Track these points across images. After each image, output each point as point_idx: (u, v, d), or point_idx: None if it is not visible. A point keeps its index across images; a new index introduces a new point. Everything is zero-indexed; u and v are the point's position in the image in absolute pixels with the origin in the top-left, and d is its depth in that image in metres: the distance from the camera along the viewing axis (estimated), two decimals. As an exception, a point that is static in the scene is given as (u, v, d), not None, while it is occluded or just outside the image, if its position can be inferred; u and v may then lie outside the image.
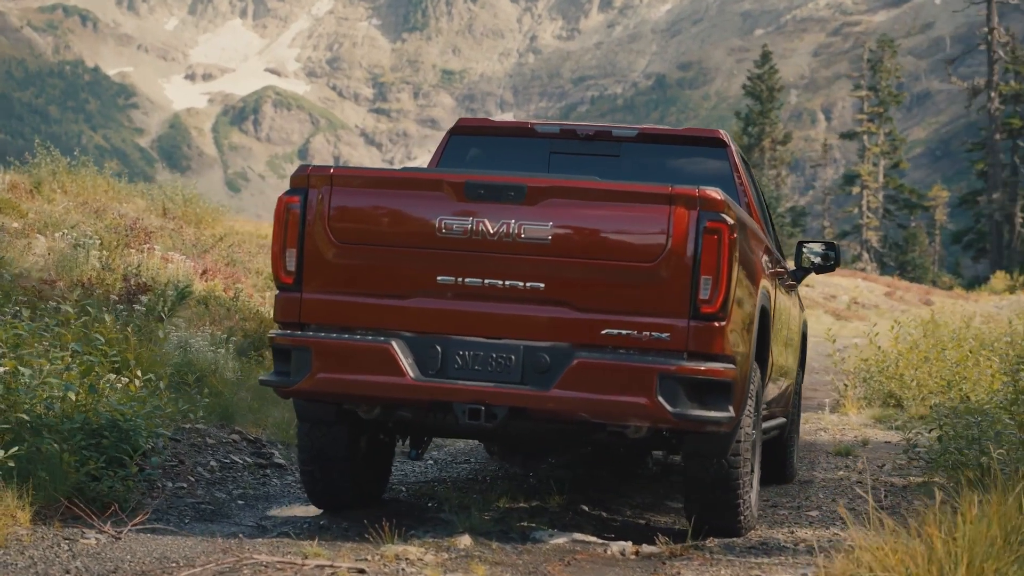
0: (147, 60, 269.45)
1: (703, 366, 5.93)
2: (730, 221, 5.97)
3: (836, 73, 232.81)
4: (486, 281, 6.15)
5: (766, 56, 75.11)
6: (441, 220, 6.18)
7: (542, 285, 6.10)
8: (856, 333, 30.64)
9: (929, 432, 11.13)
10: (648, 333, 6.00)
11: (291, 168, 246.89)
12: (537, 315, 6.12)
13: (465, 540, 6.17)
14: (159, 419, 7.41)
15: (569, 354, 6.04)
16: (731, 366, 6.04)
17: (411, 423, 6.81)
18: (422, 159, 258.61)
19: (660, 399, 5.89)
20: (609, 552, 6.10)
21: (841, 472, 9.74)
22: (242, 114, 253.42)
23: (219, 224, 20.14)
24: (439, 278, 6.20)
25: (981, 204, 64.05)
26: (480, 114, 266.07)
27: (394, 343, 6.18)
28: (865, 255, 70.15)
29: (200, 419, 8.46)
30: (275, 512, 7.12)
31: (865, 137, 72.91)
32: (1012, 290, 50.59)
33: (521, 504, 7.46)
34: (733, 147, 7.64)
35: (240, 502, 7.33)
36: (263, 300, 13.91)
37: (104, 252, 12.35)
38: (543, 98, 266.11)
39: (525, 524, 6.69)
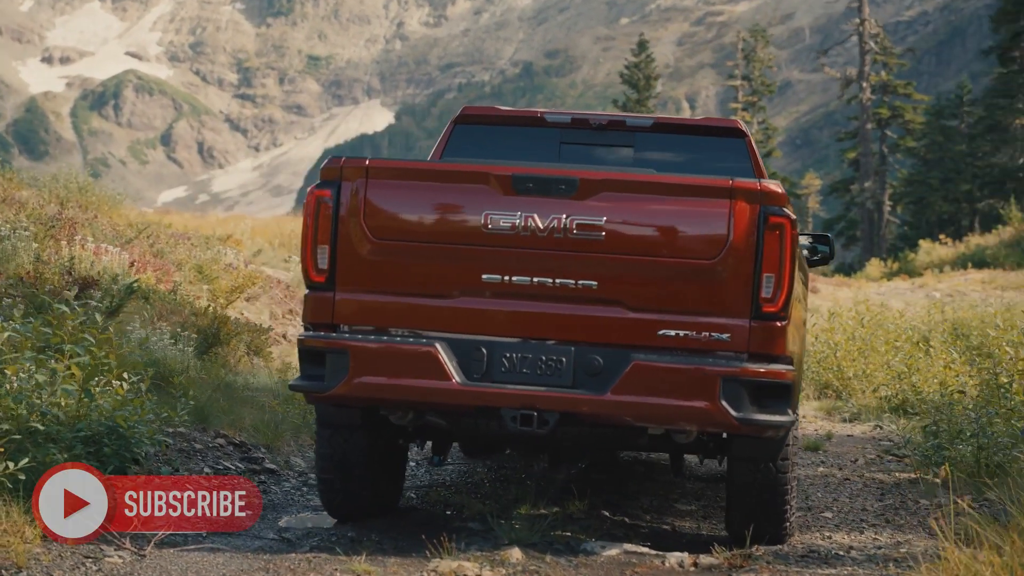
0: (0, 42, 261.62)
1: (765, 368, 5.70)
2: (792, 216, 5.75)
3: (700, 62, 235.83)
4: (535, 279, 5.84)
5: (642, 45, 75.36)
6: (487, 215, 5.85)
7: (595, 284, 5.81)
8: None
9: (907, 426, 11.12)
10: (707, 334, 5.75)
11: (153, 154, 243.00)
12: (589, 315, 5.83)
13: (516, 554, 5.88)
14: (156, 424, 6.97)
15: (625, 356, 5.76)
16: (791, 367, 5.83)
17: (442, 429, 6.47)
18: (288, 145, 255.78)
19: (723, 403, 5.65)
20: (667, 564, 5.86)
21: (822, 468, 9.62)
22: (102, 99, 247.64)
23: (116, 214, 19.38)
24: (484, 276, 5.88)
25: (854, 192, 65.13)
26: (347, 101, 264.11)
27: (438, 345, 5.84)
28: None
29: (184, 422, 8.00)
30: (288, 522, 6.74)
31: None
32: (888, 276, 51.55)
33: (542, 511, 7.17)
34: (750, 137, 7.42)
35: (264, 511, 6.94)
36: (200, 294, 13.36)
37: (35, 244, 11.70)
38: (410, 85, 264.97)
39: (564, 534, 6.39)
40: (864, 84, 64.73)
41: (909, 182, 65.52)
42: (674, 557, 5.91)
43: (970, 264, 50.69)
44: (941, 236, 56.09)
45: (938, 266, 51.21)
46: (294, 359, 12.54)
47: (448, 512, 7.10)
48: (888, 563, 5.92)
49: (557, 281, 5.83)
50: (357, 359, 5.90)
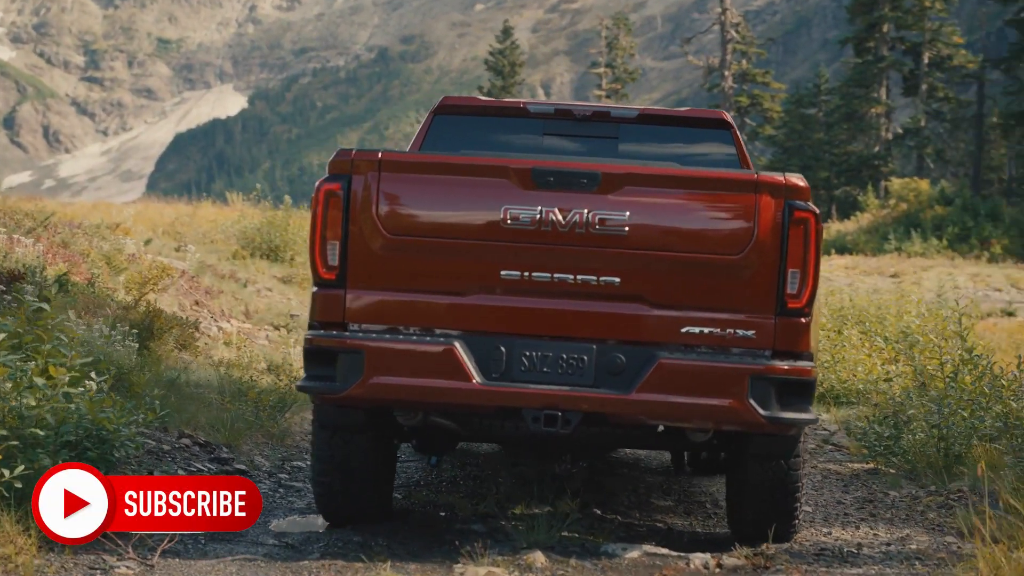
0: None
1: (791, 365, 5.65)
2: (816, 210, 5.70)
3: (555, 49, 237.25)
4: (555, 276, 5.71)
5: (507, 31, 75.48)
6: (507, 210, 5.70)
7: (617, 280, 5.69)
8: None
9: (840, 415, 11.24)
10: (732, 331, 5.68)
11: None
12: (612, 312, 5.71)
13: (540, 558, 5.76)
14: (134, 426, 6.67)
15: (649, 354, 5.65)
16: (814, 364, 5.78)
17: (445, 429, 6.30)
18: (138, 130, 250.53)
19: (751, 402, 5.58)
20: (692, 566, 5.78)
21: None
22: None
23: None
24: (503, 273, 5.72)
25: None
26: (198, 85, 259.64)
27: (457, 344, 5.66)
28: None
29: (152, 423, 7.68)
30: (279, 526, 6.51)
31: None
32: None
33: (535, 510, 7.04)
34: (735, 128, 7.37)
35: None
36: (115, 287, 12.90)
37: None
38: (264, 69, 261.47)
39: (571, 535, 6.25)
40: (726, 73, 65.67)
41: (769, 169, 66.65)
42: (698, 559, 5.84)
43: (833, 250, 51.80)
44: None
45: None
46: (224, 353, 12.19)
47: (442, 514, 6.92)
48: (913, 561, 5.92)
49: (578, 277, 5.70)
50: (372, 359, 5.70)
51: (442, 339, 5.71)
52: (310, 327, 5.94)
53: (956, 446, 8.51)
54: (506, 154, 7.16)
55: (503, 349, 5.73)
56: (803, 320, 5.69)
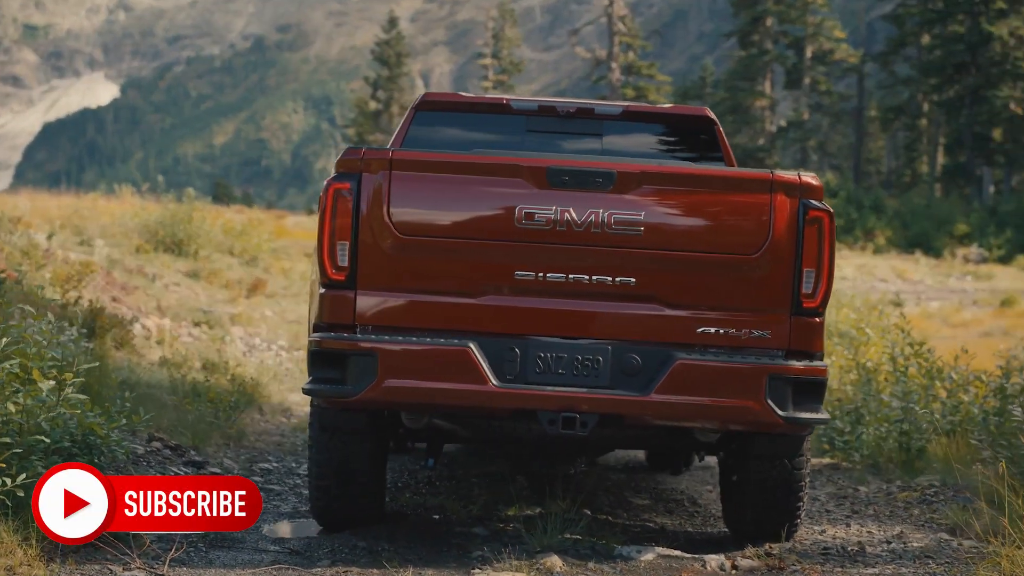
0: None
1: (805, 365, 5.65)
2: (830, 209, 5.71)
3: (434, 40, 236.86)
4: (570, 276, 5.64)
5: (393, 22, 75.11)
6: (521, 209, 5.61)
7: (633, 280, 5.64)
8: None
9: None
10: (747, 330, 5.66)
11: None
12: (627, 312, 5.67)
13: (556, 562, 5.68)
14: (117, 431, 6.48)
15: (664, 355, 5.61)
16: (825, 364, 5.80)
17: (445, 431, 6.22)
18: (4, 119, 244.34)
19: (769, 402, 5.57)
20: (709, 568, 5.75)
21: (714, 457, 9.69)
22: None
23: None
24: (517, 273, 5.64)
25: (605, 171, 66.68)
26: (68, 73, 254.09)
27: (472, 346, 5.57)
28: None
29: (123, 427, 7.44)
30: (272, 531, 6.37)
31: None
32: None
33: (527, 512, 6.99)
34: (719, 125, 7.36)
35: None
36: (43, 284, 12.49)
37: None
38: (136, 57, 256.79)
39: (584, 538, 6.18)
40: (613, 65, 66.11)
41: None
42: (714, 560, 5.81)
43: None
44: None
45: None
46: (157, 351, 11.91)
47: (435, 516, 6.81)
48: (925, 560, 5.95)
49: (594, 278, 5.64)
50: (386, 362, 5.58)
51: (456, 341, 5.61)
52: (316, 329, 5.80)
53: (916, 440, 8.63)
54: (493, 151, 7.10)
55: (517, 350, 5.65)
56: (817, 320, 5.70)
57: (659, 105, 7.42)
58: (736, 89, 63.87)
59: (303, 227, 38.13)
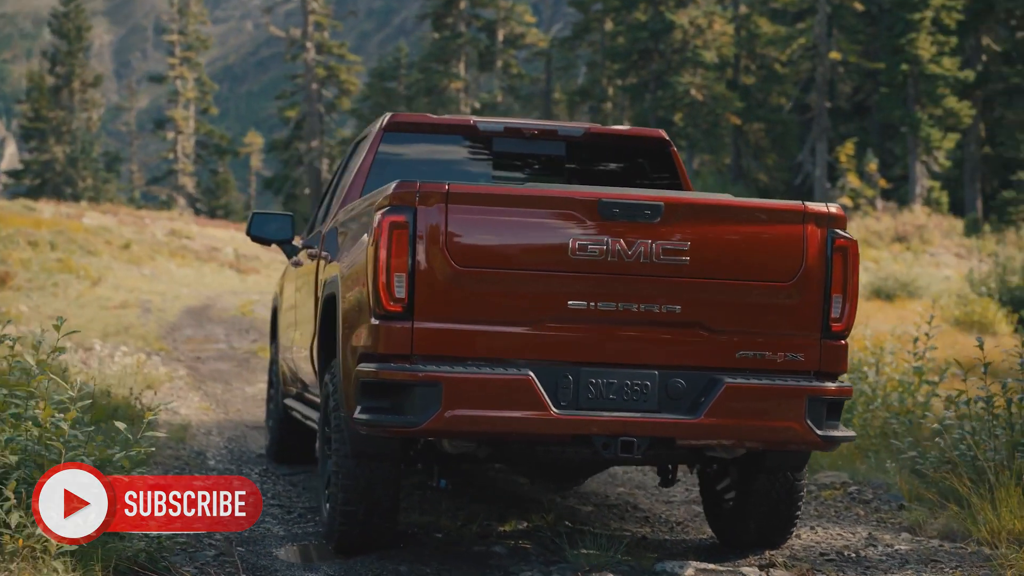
0: None
1: (836, 386, 6.02)
2: (854, 238, 6.09)
3: (92, 10, 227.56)
4: (620, 305, 5.82)
5: (71, -8, 71.92)
6: (575, 240, 5.76)
7: (678, 308, 5.87)
8: (273, 285, 30.69)
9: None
10: (782, 354, 5.99)
11: None
12: (672, 339, 5.89)
13: (608, 580, 5.86)
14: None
15: (708, 378, 5.87)
16: (849, 384, 6.19)
17: (481, 457, 6.32)
18: None
19: (808, 422, 5.91)
20: (747, 579, 6.05)
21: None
22: None
23: None
24: (570, 303, 5.79)
25: (301, 151, 66.01)
26: None
27: (531, 374, 5.69)
28: (181, 201, 69.82)
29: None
30: (291, 555, 6.33)
31: (177, 82, 72.26)
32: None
33: (524, 525, 7.13)
34: (674, 147, 7.65)
35: (240, 548, 6.39)
36: None
37: None
38: None
39: (627, 557, 6.36)
40: (308, 44, 65.63)
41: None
42: (753, 573, 6.11)
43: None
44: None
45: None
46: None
47: (438, 535, 6.86)
48: (936, 564, 6.40)
49: (642, 306, 5.84)
50: (451, 392, 5.62)
51: (515, 370, 5.71)
52: (366, 359, 5.78)
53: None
54: (463, 170, 7.23)
55: (571, 377, 5.80)
56: (844, 342, 6.07)
57: (616, 127, 7.68)
58: (431, 71, 64.48)
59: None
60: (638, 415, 5.81)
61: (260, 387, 14.06)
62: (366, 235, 5.93)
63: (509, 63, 65.10)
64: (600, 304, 5.81)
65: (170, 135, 71.83)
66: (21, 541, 5.18)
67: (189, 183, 71.53)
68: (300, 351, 7.98)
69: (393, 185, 5.75)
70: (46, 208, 38.67)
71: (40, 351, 6.58)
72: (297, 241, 8.79)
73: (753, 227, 5.98)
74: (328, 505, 6.49)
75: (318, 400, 7.73)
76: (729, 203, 6.03)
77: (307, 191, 65.71)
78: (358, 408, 5.76)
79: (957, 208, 51.47)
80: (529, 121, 7.65)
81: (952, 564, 6.37)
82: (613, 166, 7.75)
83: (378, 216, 5.71)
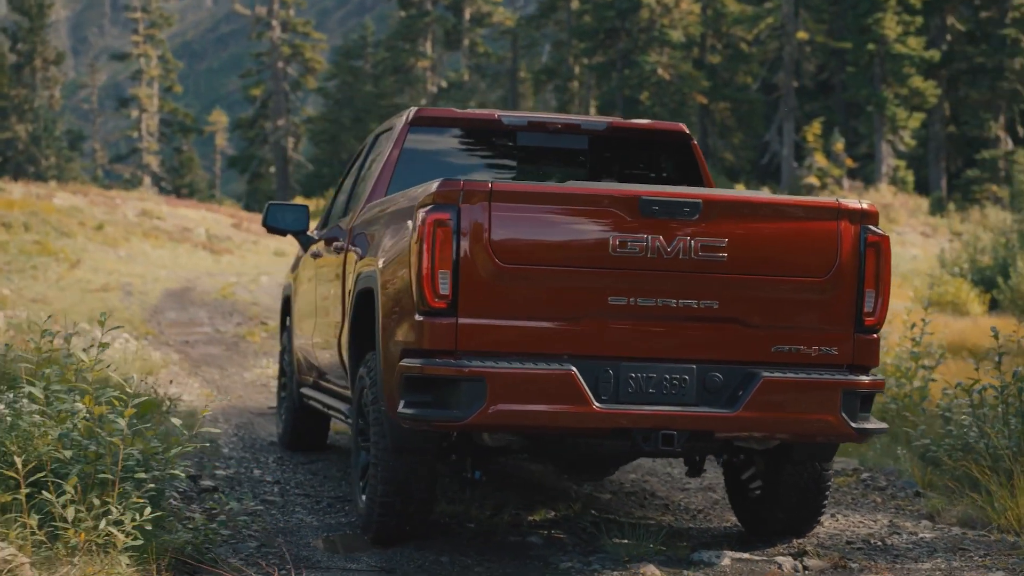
0: None
1: (870, 379, 6.15)
2: (886, 234, 6.22)
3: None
4: (659, 301, 5.93)
5: (33, -31, 71.16)
6: (616, 238, 5.86)
7: (716, 303, 5.99)
8: (248, 267, 30.70)
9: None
10: (817, 348, 6.11)
11: None
12: (710, 334, 6.01)
13: (654, 570, 5.98)
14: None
15: (745, 372, 5.99)
16: (882, 377, 6.33)
17: (514, 450, 6.44)
18: None
19: (843, 415, 6.03)
20: (785, 570, 6.16)
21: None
22: None
23: None
24: (611, 299, 5.89)
25: (267, 130, 65.82)
26: None
27: (573, 369, 5.79)
28: (146, 179, 69.41)
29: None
30: (328, 547, 6.40)
31: (141, 60, 71.75)
32: (319, 215, 52.61)
33: (551, 515, 7.24)
34: (695, 140, 7.77)
35: (279, 539, 6.48)
36: None
37: None
38: None
39: (661, 547, 6.47)
40: (273, 22, 65.33)
41: (324, 120, 66.94)
42: (788, 562, 6.23)
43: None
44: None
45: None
46: None
47: (470, 525, 6.97)
48: (965, 552, 6.54)
49: (680, 302, 5.95)
50: (496, 386, 5.72)
51: (559, 364, 5.81)
52: (409, 354, 5.86)
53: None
54: (488, 164, 7.34)
55: (611, 372, 5.91)
56: (875, 336, 6.21)
57: (638, 121, 7.78)
58: (397, 50, 64.39)
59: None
60: (678, 409, 5.92)
61: (257, 372, 14.10)
62: (407, 232, 6.01)
63: (476, 42, 65.07)
64: (639, 300, 5.91)
65: (134, 113, 71.34)
66: (83, 535, 5.23)
67: (153, 162, 71.07)
68: (321, 341, 8.05)
69: (436, 183, 5.83)
70: (15, 189, 38.39)
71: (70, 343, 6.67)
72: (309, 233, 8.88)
73: (788, 224, 6.09)
74: (364, 496, 6.59)
75: (339, 389, 7.82)
76: (765, 200, 6.14)
77: (272, 169, 65.48)
78: (402, 403, 5.85)
79: (922, 187, 51.97)
80: (552, 115, 7.74)
81: (980, 553, 6.51)
82: (635, 160, 7.86)
83: (422, 214, 5.79)
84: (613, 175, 7.77)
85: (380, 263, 6.43)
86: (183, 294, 23.21)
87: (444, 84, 64.77)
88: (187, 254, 32.63)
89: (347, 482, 8.16)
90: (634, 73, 56.88)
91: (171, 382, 11.27)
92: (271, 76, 66.18)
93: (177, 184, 72.24)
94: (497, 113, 7.62)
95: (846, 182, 50.26)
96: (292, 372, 9.44)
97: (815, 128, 50.84)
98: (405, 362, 5.87)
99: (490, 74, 66.51)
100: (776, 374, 5.99)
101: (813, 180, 49.35)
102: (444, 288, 5.78)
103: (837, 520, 7.38)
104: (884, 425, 6.26)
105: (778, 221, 6.09)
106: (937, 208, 46.94)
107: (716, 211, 5.98)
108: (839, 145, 50.38)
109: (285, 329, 10.00)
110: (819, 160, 50.38)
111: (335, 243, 7.84)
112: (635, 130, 7.76)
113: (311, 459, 9.14)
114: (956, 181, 52.38)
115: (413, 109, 7.59)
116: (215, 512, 6.85)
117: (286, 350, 9.85)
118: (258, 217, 46.08)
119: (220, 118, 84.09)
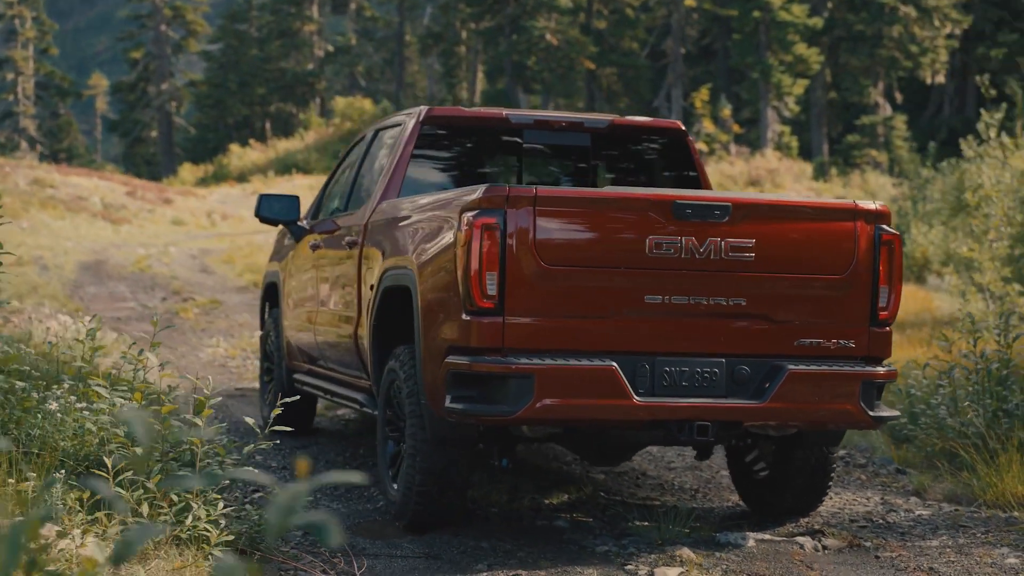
0: None
1: (884, 370, 6.57)
2: (898, 233, 6.63)
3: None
4: (691, 299, 6.28)
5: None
6: (652, 240, 6.19)
7: (744, 301, 6.36)
8: (150, 237, 30.41)
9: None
10: (836, 341, 6.52)
11: None
12: (738, 329, 6.38)
13: (688, 553, 6.34)
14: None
15: (771, 365, 6.37)
16: (894, 367, 6.77)
17: (546, 438, 6.75)
18: None
19: (862, 403, 6.45)
20: (807, 549, 6.58)
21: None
22: None
23: None
24: (647, 297, 6.23)
25: (152, 94, 64.82)
26: None
27: (614, 364, 6.12)
28: (24, 144, 67.91)
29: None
30: (365, 534, 6.65)
31: (16, 21, 70.00)
32: (206, 182, 52.15)
33: (565, 498, 7.56)
34: (690, 136, 8.11)
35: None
36: None
37: None
38: None
39: (684, 529, 6.82)
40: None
41: (208, 84, 66.08)
42: (808, 542, 6.66)
43: (282, 168, 52.44)
44: (251, 141, 57.31)
45: (254, 171, 52.48)
46: None
47: (494, 510, 7.26)
48: (967, 530, 6.99)
49: (711, 300, 6.31)
50: (543, 382, 6.02)
51: (600, 360, 6.13)
52: (456, 352, 6.14)
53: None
54: (496, 161, 7.61)
55: (647, 366, 6.25)
56: (888, 329, 6.63)
57: (637, 119, 8.10)
58: (283, 13, 63.77)
59: None
60: (710, 400, 6.29)
61: (211, 352, 14.16)
62: (450, 234, 6.26)
63: (363, 5, 64.72)
64: (673, 298, 6.27)
65: (9, 76, 69.63)
66: (169, 530, 5.43)
67: (31, 126, 69.50)
68: (328, 332, 8.24)
69: (483, 188, 6.09)
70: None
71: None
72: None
73: (810, 224, 6.48)
74: (397, 485, 6.84)
75: (350, 379, 8.04)
76: (789, 203, 6.52)
77: (154, 134, 64.49)
78: (448, 398, 6.14)
79: (805, 152, 53.14)
80: (557, 114, 8.02)
81: (980, 529, 6.99)
82: (634, 154, 8.19)
83: (468, 217, 6.05)
84: (614, 170, 8.10)
85: (416, 262, 6.65)
86: (97, 267, 22.99)
87: (331, 48, 64.38)
88: (87, 224, 32.18)
89: (351, 468, 8.38)
90: (522, 38, 57.04)
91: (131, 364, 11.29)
92: (153, 39, 65.11)
93: (55, 148, 70.78)
94: (505, 112, 7.89)
95: (733, 148, 51.19)
96: (280, 358, 9.61)
97: (703, 94, 51.62)
98: (451, 359, 6.14)
99: (377, 38, 66.24)
100: (800, 366, 6.38)
101: (702, 146, 50.15)
102: (491, 289, 6.06)
103: (831, 498, 7.81)
104: (896, 412, 6.69)
105: (800, 222, 6.47)
106: (820, 173, 48.10)
107: (744, 213, 6.33)
108: (726, 111, 51.27)
109: (268, 315, 10.15)
110: (707, 126, 51.20)
111: (345, 238, 8.02)
112: (634, 127, 8.09)
113: (302, 443, 9.33)
114: (837, 146, 53.65)
115: (424, 108, 7.82)
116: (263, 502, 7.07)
117: (270, 336, 10.00)
118: (152, 185, 45.52)
119: (100, 81, 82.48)
